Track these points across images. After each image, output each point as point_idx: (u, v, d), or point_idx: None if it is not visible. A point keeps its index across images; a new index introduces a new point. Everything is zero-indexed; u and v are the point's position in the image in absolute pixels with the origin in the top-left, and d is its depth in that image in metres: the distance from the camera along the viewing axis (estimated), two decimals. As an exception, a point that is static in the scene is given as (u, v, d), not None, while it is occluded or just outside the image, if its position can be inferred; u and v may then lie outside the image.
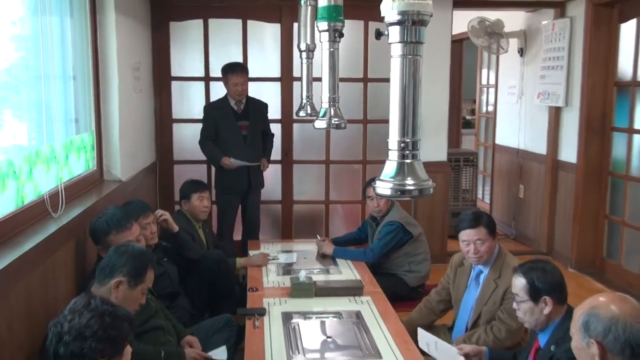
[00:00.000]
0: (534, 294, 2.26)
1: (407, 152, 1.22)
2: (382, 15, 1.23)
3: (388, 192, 1.22)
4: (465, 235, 2.93)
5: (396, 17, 1.18)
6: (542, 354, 2.25)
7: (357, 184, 5.51)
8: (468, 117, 10.05)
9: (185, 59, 5.33)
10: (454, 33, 5.44)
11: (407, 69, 1.21)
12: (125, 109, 4.05)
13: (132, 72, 4.34)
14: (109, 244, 2.62)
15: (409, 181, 1.21)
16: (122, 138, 3.95)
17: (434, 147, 5.33)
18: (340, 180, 5.62)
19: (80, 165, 3.47)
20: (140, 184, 4.48)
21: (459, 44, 7.82)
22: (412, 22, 1.18)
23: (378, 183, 1.23)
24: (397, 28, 1.19)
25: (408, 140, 1.22)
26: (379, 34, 1.34)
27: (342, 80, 5.07)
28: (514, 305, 2.66)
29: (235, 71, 4.69)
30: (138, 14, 4.64)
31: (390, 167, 1.23)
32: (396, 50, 1.21)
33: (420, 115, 1.26)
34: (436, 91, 5.27)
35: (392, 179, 1.22)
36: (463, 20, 6.10)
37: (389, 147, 1.24)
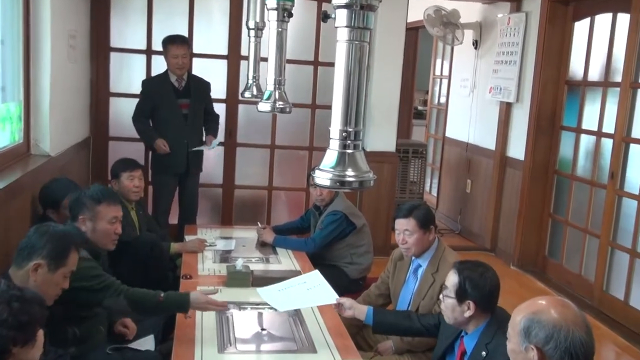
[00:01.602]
0: (461, 294, 2.31)
1: (349, 142, 1.22)
2: (329, -3, 1.21)
3: (327, 182, 1.21)
4: (397, 224, 3.01)
5: (344, 0, 1.17)
6: (472, 359, 2.30)
7: (302, 171, 5.51)
8: (420, 108, 10.18)
9: (127, 29, 5.20)
10: (409, 20, 5.48)
11: (353, 55, 1.21)
12: (58, 79, 3.92)
13: (68, 40, 4.20)
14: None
15: (349, 172, 1.21)
16: (53, 110, 3.83)
17: (383, 136, 5.37)
18: (284, 167, 5.61)
19: (4, 137, 3.33)
20: (71, 160, 4.35)
21: (414, 32, 7.89)
22: (360, 7, 1.18)
23: (317, 173, 1.23)
24: (344, 12, 1.18)
25: (350, 129, 1.21)
26: (325, 16, 1.33)
27: (291, 62, 5.10)
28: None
29: (175, 42, 4.62)
30: (76, -23, 4.49)
31: (330, 156, 1.23)
32: (342, 34, 1.20)
33: (365, 104, 1.25)
34: (388, 79, 5.30)
35: (332, 169, 1.21)
36: (419, 8, 6.15)
37: (330, 136, 1.24)
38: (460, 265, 2.38)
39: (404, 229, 2.97)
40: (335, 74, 1.23)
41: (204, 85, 4.89)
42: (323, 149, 4.84)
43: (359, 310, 2.74)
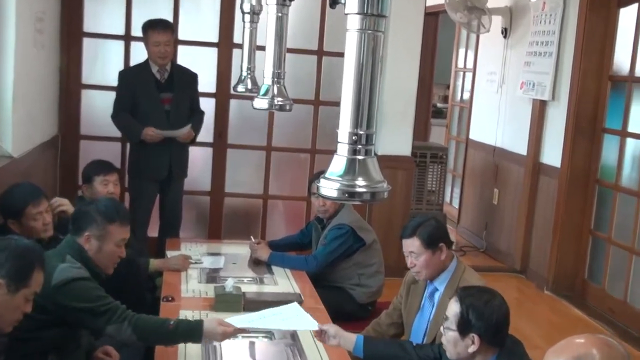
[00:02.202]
0: (464, 327, 2.30)
1: (360, 146, 1.21)
2: (339, -21, 1.21)
3: (334, 193, 1.21)
4: (403, 245, 3.02)
5: (356, -16, 1.17)
6: None
7: (302, 177, 5.51)
8: (439, 105, 10.20)
9: (102, 12, 5.23)
10: (428, 4, 5.49)
11: (365, 46, 1.20)
12: (22, 68, 3.95)
13: (34, 24, 4.23)
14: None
15: (360, 182, 1.20)
16: (17, 103, 3.85)
17: (397, 138, 5.37)
18: (282, 172, 5.61)
19: (-41, 134, 3.34)
20: (36, 161, 4.36)
21: (433, 18, 7.91)
22: (375, -9, 1.17)
23: (323, 182, 1.22)
24: (356, -4, 1.18)
25: (361, 132, 1.21)
26: (334, 2, 1.33)
27: (292, 51, 5.11)
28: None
29: (157, 28, 4.64)
30: (45, -49, 4.52)
31: (338, 163, 1.22)
32: (353, 22, 1.20)
33: (378, 103, 1.25)
34: (403, 72, 5.31)
35: (340, 178, 1.21)
36: (440, -10, 6.17)
37: (338, 140, 1.23)
38: (463, 292, 2.37)
39: (410, 251, 2.98)
40: (345, 68, 1.23)
41: (190, 77, 4.90)
42: (327, 152, 4.87)
43: (346, 339, 2.71)
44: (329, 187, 1.22)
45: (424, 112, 8.30)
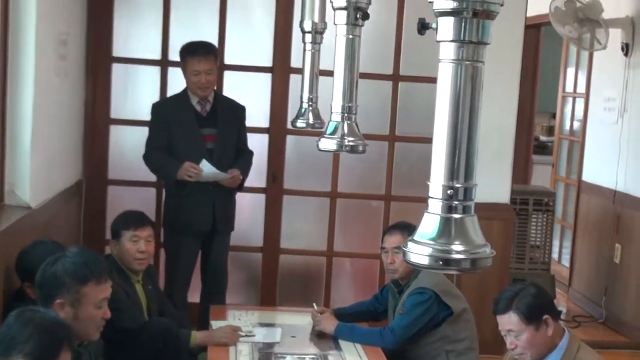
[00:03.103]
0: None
1: (456, 202, 1.22)
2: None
3: (425, 260, 1.22)
4: (498, 322, 3.04)
5: (450, 4, 1.19)
6: None
7: (375, 229, 5.49)
8: (543, 139, 10.09)
9: (135, 32, 5.38)
10: (529, 15, 5.48)
11: (462, 80, 1.22)
12: (43, 101, 4.07)
13: (56, 48, 4.36)
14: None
15: (457, 246, 1.20)
16: (36, 144, 3.96)
17: (492, 182, 5.32)
18: (351, 223, 5.62)
19: (-30, 182, 3.46)
20: (57, 212, 4.47)
21: (534, 31, 7.88)
22: (473, 13, 1.19)
23: (410, 246, 1.23)
24: (450, 20, 1.20)
25: (458, 185, 1.22)
26: (423, 27, 1.34)
27: (363, 76, 5.13)
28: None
29: (197, 54, 4.70)
30: (70, -36, 4.70)
31: (430, 223, 1.23)
32: (447, 51, 1.22)
33: (477, 148, 1.26)
34: (499, 100, 5.28)
35: (432, 242, 1.21)
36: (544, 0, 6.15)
37: (429, 194, 1.24)
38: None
39: (507, 329, 2.97)
40: (437, 106, 1.24)
41: (237, 110, 4.97)
42: (405, 199, 4.87)
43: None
44: (418, 252, 1.22)
45: (525, 148, 8.21)
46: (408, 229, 3.90)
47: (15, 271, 3.35)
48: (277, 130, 5.43)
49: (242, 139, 4.98)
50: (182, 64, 4.78)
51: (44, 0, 3.97)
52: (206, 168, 4.63)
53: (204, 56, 4.71)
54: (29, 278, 3.20)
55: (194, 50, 4.73)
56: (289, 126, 5.15)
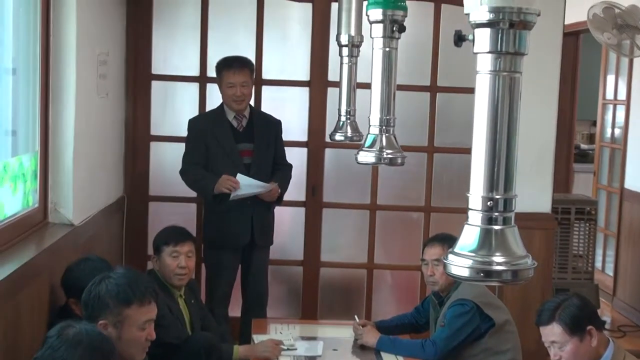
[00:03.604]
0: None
1: (496, 214, 1.22)
2: (465, 11, 1.23)
3: (465, 272, 1.22)
4: (542, 333, 3.03)
5: (486, 16, 1.19)
6: None
7: (415, 241, 5.48)
8: (584, 147, 10.00)
9: (174, 50, 5.44)
10: (566, 23, 5.44)
11: (500, 91, 1.22)
12: (84, 120, 4.12)
13: (97, 68, 4.42)
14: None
15: (498, 258, 1.20)
16: (78, 162, 4.01)
17: (533, 191, 5.27)
18: (391, 235, 5.61)
19: (15, 201, 3.52)
20: (99, 229, 4.52)
21: (573, 38, 7.82)
22: (509, 24, 1.19)
23: (451, 258, 1.23)
24: (486, 32, 1.20)
25: (498, 196, 1.22)
26: (460, 39, 1.35)
27: (400, 88, 5.14)
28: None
29: (232, 67, 4.75)
30: (109, -16, 4.77)
31: (470, 235, 1.23)
32: (484, 63, 1.22)
33: (516, 158, 1.25)
34: (538, 108, 5.24)
35: (473, 254, 1.21)
36: (581, 6, 6.10)
37: (469, 206, 1.24)
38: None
39: (551, 341, 2.96)
40: (475, 118, 1.25)
41: (273, 124, 4.99)
42: (445, 210, 4.85)
43: None
44: (459, 264, 1.22)
45: (565, 156, 8.15)
46: (448, 240, 3.88)
47: (60, 287, 3.39)
48: (316, 143, 5.45)
49: (279, 153, 5.00)
50: (218, 78, 4.83)
51: (84, 21, 4.03)
52: (243, 180, 4.65)
53: (239, 69, 4.76)
54: (75, 294, 3.25)
55: (230, 64, 4.78)
56: (328, 139, 5.16)
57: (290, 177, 5.03)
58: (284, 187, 4.92)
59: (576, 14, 6.13)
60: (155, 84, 5.41)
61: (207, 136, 4.81)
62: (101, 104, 4.59)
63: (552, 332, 2.92)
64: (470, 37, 1.24)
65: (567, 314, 2.91)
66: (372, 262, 5.58)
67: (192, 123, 4.94)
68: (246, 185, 4.66)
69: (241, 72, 4.76)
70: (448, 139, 5.45)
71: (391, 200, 5.56)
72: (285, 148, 5.08)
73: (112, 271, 2.95)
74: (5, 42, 3.38)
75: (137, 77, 5.34)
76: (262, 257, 5.00)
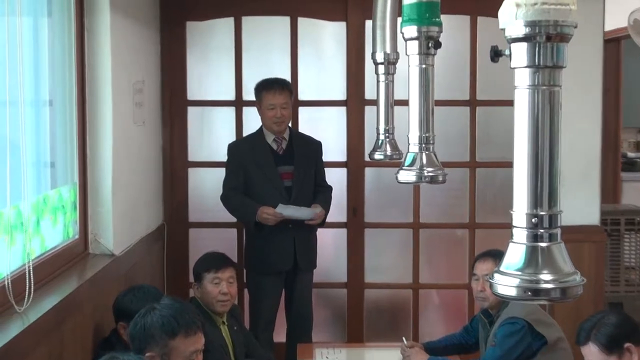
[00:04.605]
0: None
1: (542, 231, 1.21)
2: (500, 26, 1.24)
3: (512, 291, 1.21)
4: (583, 353, 3.04)
5: (522, 31, 1.19)
6: None
7: (461, 258, 5.47)
8: (631, 155, 9.86)
9: (209, 75, 5.49)
10: (607, 29, 5.40)
11: (540, 106, 1.22)
12: (122, 149, 4.18)
13: (133, 96, 4.49)
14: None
15: (546, 276, 1.19)
16: (117, 192, 4.06)
17: (579, 204, 5.22)
18: (436, 253, 5.59)
19: (56, 233, 3.57)
20: (140, 258, 4.57)
21: (614, 45, 7.75)
22: (546, 37, 1.19)
23: (497, 277, 1.23)
24: (523, 47, 1.20)
25: (543, 213, 1.21)
26: (496, 54, 1.35)
27: (439, 103, 5.13)
28: None
29: (272, 88, 4.80)
30: (142, 13, 4.84)
31: (515, 253, 1.23)
32: (522, 78, 1.22)
33: (559, 173, 1.25)
34: (582, 120, 5.19)
35: (520, 272, 1.21)
36: (621, 13, 6.06)
37: (513, 223, 1.24)
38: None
39: None
40: (515, 134, 1.24)
41: (313, 146, 5.03)
42: (490, 226, 4.79)
43: None
44: (505, 283, 1.22)
45: (612, 166, 8.05)
46: (500, 256, 3.84)
47: (111, 313, 3.43)
48: (355, 163, 5.45)
49: (320, 174, 5.02)
50: (258, 101, 4.87)
51: (118, 49, 4.09)
52: (285, 211, 4.68)
53: (279, 90, 4.81)
54: (124, 318, 3.29)
55: (270, 86, 4.83)
56: (367, 159, 5.15)
57: (331, 199, 5.04)
58: (326, 209, 4.93)
59: (616, 20, 6.08)
60: (191, 110, 5.47)
61: (247, 160, 4.85)
62: (138, 132, 4.65)
63: (589, 352, 2.92)
64: (507, 52, 1.24)
65: (603, 333, 2.90)
66: (417, 282, 5.55)
67: (232, 148, 4.99)
68: (289, 213, 4.70)
69: (281, 93, 4.81)
70: (490, 153, 5.42)
71: (434, 217, 5.54)
72: (325, 169, 5.11)
73: (160, 302, 2.98)
74: (41, 73, 3.44)
75: (173, 103, 5.40)
76: (306, 281, 5.01)
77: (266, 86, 4.84)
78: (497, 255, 3.94)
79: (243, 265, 5.07)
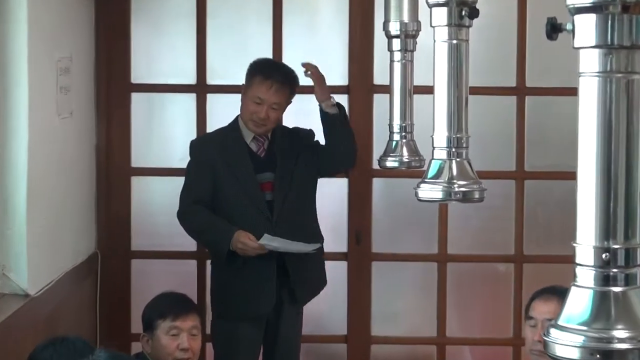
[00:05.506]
0: None
1: (616, 270, 1.21)
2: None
3: (574, 353, 1.21)
4: None
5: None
6: None
7: (503, 302, 5.46)
8: None
9: (161, 50, 5.50)
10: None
11: (614, 98, 1.21)
12: (41, 150, 4.16)
13: (57, 78, 4.47)
14: None
15: (620, 332, 1.19)
16: (33, 209, 4.04)
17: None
18: (469, 296, 5.61)
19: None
20: (64, 299, 4.55)
21: None
22: (622, 7, 1.19)
23: (554, 334, 1.23)
24: (592, 19, 1.19)
25: (617, 246, 1.21)
26: (554, 29, 1.34)
27: (474, 91, 5.12)
28: None
29: (270, 78, 4.72)
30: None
31: (579, 301, 1.23)
32: (590, 61, 1.21)
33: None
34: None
35: (585, 327, 1.21)
36: None
37: (576, 260, 1.23)
38: None
39: None
40: (580, 136, 1.24)
41: (299, 139, 4.97)
42: (543, 260, 4.78)
43: None
44: (565, 342, 1.21)
45: None
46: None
47: None
48: (359, 172, 5.43)
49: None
50: (245, 84, 4.79)
51: (38, 16, 4.08)
52: (271, 245, 4.63)
53: (277, 86, 4.72)
54: None
55: (269, 72, 4.77)
56: (376, 166, 5.15)
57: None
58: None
59: None
60: (136, 97, 5.45)
61: (216, 164, 4.79)
62: (63, 128, 4.62)
63: None
64: (569, 26, 1.23)
65: None
66: (443, 335, 5.54)
67: (196, 146, 4.95)
68: (279, 247, 4.65)
69: (279, 90, 4.74)
70: (544, 159, 5.44)
71: (467, 247, 5.55)
72: (319, 180, 5.03)
73: (91, 356, 2.96)
74: None
75: (112, 88, 5.38)
76: (292, 326, 4.96)
77: (263, 71, 4.77)
78: (563, 294, 3.93)
79: (211, 306, 5.04)
